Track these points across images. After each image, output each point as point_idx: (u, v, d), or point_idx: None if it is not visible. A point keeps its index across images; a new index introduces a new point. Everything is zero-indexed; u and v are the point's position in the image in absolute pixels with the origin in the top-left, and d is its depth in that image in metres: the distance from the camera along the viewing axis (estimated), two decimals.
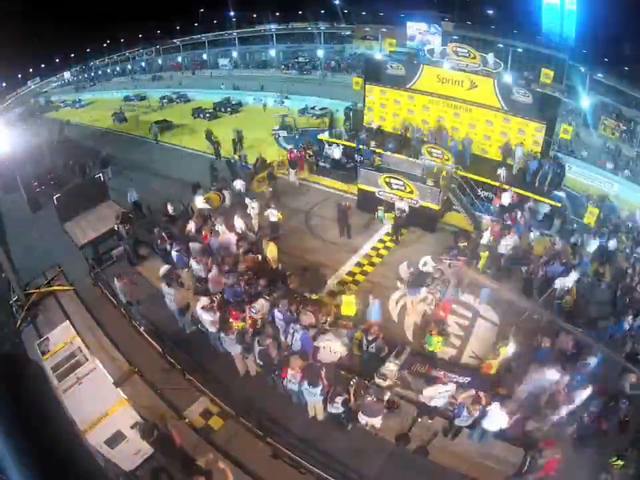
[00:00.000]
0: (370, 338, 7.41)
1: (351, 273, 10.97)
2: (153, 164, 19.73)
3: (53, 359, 6.28)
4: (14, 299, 9.07)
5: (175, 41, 55.57)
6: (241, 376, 7.56)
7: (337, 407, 6.18)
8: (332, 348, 7.09)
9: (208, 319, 7.43)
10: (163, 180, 17.09)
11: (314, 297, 9.56)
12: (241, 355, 7.38)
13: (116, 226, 10.81)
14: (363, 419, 6.32)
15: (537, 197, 13.29)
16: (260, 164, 16.27)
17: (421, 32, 28.99)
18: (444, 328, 8.34)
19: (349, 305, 8.29)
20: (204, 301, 7.60)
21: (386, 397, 6.38)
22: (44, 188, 16.81)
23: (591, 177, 18.03)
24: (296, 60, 46.45)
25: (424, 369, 7.17)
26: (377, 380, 6.72)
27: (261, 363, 6.97)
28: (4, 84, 54.84)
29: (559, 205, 13.16)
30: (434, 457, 6.23)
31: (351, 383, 6.40)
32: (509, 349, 7.48)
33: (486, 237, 11.01)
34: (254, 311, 7.61)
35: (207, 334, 7.90)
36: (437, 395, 6.38)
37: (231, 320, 7.23)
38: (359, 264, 11.42)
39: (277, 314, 7.61)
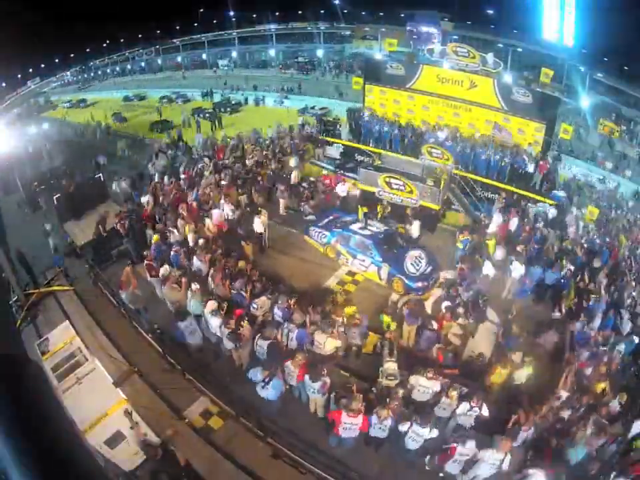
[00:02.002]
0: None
1: (350, 273, 10.96)
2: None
3: (53, 359, 6.27)
4: (14, 299, 9.06)
5: (174, 40, 55.44)
6: (238, 369, 7.45)
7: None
8: (326, 344, 7.06)
9: (216, 324, 7.31)
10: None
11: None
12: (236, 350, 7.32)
13: (115, 224, 10.80)
14: None
15: (536, 197, 13.28)
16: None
17: (421, 32, 28.91)
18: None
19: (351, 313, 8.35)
20: (212, 305, 7.44)
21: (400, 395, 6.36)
22: (44, 188, 16.78)
23: (590, 176, 18.06)
24: (296, 60, 46.40)
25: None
26: (385, 382, 6.67)
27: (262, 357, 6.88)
28: (4, 84, 54.78)
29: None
30: (434, 457, 6.18)
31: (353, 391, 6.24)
32: (521, 376, 7.10)
33: (493, 225, 11.20)
34: (255, 306, 7.60)
35: (210, 337, 7.77)
36: (418, 386, 6.46)
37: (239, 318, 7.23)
38: None
39: (277, 310, 7.62)
